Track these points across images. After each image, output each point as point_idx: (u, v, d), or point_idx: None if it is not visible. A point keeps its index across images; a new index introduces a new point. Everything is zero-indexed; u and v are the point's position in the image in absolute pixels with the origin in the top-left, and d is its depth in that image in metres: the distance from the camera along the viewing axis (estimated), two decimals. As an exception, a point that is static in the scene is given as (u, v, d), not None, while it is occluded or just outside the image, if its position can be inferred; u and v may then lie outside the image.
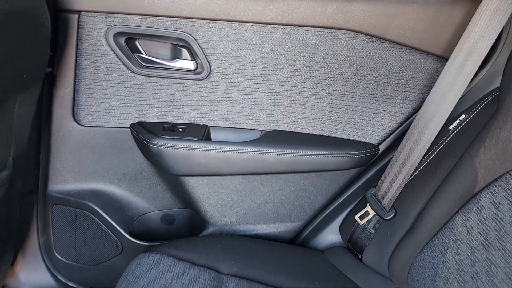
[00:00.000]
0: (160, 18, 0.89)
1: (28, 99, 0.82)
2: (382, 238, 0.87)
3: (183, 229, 1.14)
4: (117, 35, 0.90)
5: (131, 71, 0.94)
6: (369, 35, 0.88)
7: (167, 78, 0.95)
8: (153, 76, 0.95)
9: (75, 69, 0.94)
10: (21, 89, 0.76)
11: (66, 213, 1.05)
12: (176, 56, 0.95)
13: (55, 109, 0.97)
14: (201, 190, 1.00)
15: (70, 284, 1.13)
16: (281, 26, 0.89)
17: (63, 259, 1.10)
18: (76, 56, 0.93)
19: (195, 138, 0.94)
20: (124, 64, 0.93)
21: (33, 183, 1.01)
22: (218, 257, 0.85)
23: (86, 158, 1.01)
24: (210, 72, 0.93)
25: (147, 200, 1.09)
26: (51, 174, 1.03)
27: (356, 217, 0.93)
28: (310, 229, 1.06)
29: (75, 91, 0.96)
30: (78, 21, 0.89)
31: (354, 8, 0.85)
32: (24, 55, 0.70)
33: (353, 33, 0.88)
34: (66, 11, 0.89)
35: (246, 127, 0.99)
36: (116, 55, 0.92)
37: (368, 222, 0.91)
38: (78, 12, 0.89)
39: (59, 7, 0.88)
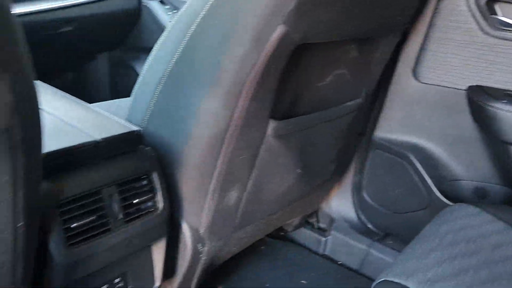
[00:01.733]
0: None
1: (387, 45, 0.96)
2: None
3: (495, 207, 1.08)
4: (480, -5, 0.93)
5: (484, 33, 0.94)
6: None
7: (523, 42, 0.91)
8: (506, 39, 0.93)
9: (428, 28, 1.02)
10: (388, 33, 0.90)
11: (384, 159, 1.16)
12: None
13: (398, 63, 1.08)
14: (532, 164, 0.93)
15: (368, 225, 1.26)
16: None
17: (369, 201, 1.23)
18: (433, 15, 1.00)
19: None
20: (478, 25, 0.95)
21: (363, 126, 1.17)
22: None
23: (416, 113, 1.09)
24: None
25: (463, 166, 1.09)
26: (379, 122, 1.16)
27: None
28: None
29: (421, 48, 1.04)
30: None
31: None
32: (400, 3, 0.82)
33: None
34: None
35: None
36: (473, 15, 0.95)
37: None
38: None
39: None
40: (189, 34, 0.68)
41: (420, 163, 1.10)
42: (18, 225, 0.43)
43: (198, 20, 0.66)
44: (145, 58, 1.79)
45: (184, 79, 0.70)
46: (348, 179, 1.27)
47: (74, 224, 0.60)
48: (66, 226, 0.60)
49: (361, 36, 0.83)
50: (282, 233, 1.34)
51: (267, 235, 1.33)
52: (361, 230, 1.26)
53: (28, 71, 0.35)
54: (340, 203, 1.29)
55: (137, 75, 1.73)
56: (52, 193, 0.58)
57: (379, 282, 0.67)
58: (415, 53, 1.05)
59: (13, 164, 0.38)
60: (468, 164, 1.09)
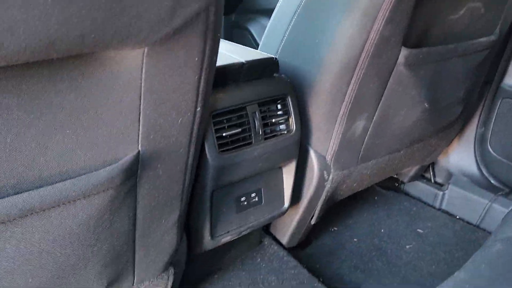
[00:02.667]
0: None
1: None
2: None
3: None
4: None
5: None
6: None
7: None
8: None
9: None
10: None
11: (516, 108, 1.09)
12: None
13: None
14: None
15: (491, 181, 1.20)
16: None
17: (494, 154, 1.17)
18: None
19: None
20: None
21: (491, 73, 1.11)
22: None
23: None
24: None
25: None
26: (510, 67, 1.09)
27: None
28: None
29: None
30: None
31: None
32: None
33: None
34: None
35: None
36: None
37: None
38: None
39: None
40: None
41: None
42: (197, 109, 0.50)
43: None
44: (260, 20, 1.86)
45: (320, 6, 0.74)
46: (470, 132, 1.22)
47: (224, 134, 0.69)
48: (218, 134, 0.68)
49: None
50: (396, 184, 1.34)
51: (381, 187, 1.34)
52: (483, 185, 1.21)
53: None
54: (460, 157, 1.25)
55: (252, 36, 1.82)
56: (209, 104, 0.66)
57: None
58: None
59: (203, 46, 0.45)
60: None
